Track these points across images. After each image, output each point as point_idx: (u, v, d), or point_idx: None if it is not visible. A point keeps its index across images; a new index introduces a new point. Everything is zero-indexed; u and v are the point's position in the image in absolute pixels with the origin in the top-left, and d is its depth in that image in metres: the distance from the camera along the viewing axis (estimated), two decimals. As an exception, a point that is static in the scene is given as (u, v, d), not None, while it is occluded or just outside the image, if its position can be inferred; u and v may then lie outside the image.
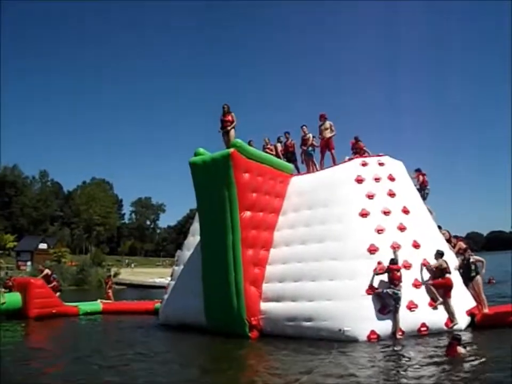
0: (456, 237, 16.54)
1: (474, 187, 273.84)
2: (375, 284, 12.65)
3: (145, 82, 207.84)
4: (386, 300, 12.41)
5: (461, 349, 9.99)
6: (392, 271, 12.56)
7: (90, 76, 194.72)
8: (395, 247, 13.20)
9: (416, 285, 13.00)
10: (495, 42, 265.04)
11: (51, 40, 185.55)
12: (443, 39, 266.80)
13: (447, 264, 13.29)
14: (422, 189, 17.03)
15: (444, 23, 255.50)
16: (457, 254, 15.19)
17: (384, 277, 12.65)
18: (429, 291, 12.98)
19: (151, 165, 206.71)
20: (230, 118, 15.70)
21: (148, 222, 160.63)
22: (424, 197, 16.94)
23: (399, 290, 12.36)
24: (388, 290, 12.36)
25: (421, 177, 17.21)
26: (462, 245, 15.79)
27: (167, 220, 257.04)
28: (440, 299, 12.88)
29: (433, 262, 13.43)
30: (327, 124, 17.22)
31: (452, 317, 12.80)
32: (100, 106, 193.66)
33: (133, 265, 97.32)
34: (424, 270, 13.41)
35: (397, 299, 12.30)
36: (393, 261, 12.74)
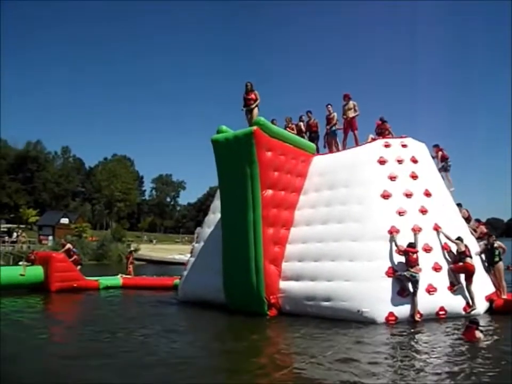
0: (477, 220, 16.39)
1: (495, 171, 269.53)
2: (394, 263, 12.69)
3: (169, 58, 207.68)
4: (404, 283, 12.39)
5: (478, 333, 9.96)
6: (409, 253, 12.52)
7: (112, 51, 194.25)
8: (416, 230, 13.14)
9: (436, 268, 12.92)
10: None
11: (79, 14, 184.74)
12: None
13: (466, 247, 13.18)
14: (444, 162, 16.88)
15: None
16: (479, 239, 15.08)
17: (402, 259, 12.62)
18: (449, 275, 12.92)
19: (173, 142, 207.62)
20: (253, 96, 15.60)
21: (168, 199, 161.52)
22: (446, 169, 16.86)
23: (417, 273, 12.30)
24: (405, 273, 12.32)
25: (440, 153, 17.03)
26: (483, 229, 15.68)
27: (187, 197, 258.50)
28: (460, 284, 12.82)
29: (453, 246, 13.37)
30: (351, 103, 17.09)
31: (471, 302, 12.74)
32: (122, 83, 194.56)
33: (154, 241, 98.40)
34: (446, 253, 13.37)
35: (414, 282, 12.26)
36: (411, 244, 12.70)
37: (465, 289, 12.84)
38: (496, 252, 14.06)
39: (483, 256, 14.37)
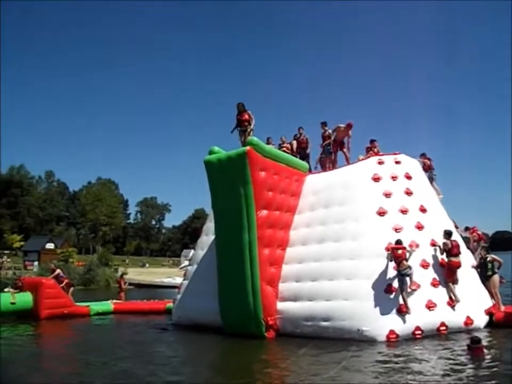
0: (467, 228, 16.53)
1: (479, 187, 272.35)
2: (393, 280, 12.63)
3: (151, 79, 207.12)
4: (398, 285, 12.43)
5: (484, 350, 9.94)
6: (393, 250, 12.62)
7: (94, 74, 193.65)
8: (413, 246, 13.08)
9: (434, 284, 12.91)
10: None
11: (56, 41, 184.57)
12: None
13: (453, 243, 13.31)
14: (429, 172, 16.95)
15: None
16: (474, 244, 15.29)
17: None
18: (447, 290, 12.89)
19: (157, 164, 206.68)
20: (246, 116, 15.59)
21: (153, 222, 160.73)
22: (432, 178, 16.92)
23: (403, 269, 12.34)
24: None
25: (427, 162, 17.09)
26: (475, 235, 16.01)
27: (172, 220, 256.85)
28: (459, 299, 12.77)
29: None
30: (348, 133, 17.30)
31: (453, 297, 12.88)
32: (105, 105, 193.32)
33: (147, 264, 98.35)
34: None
35: (403, 277, 12.38)
36: (398, 241, 12.78)
37: (447, 286, 13.01)
38: (489, 266, 14.11)
39: (479, 269, 14.38)
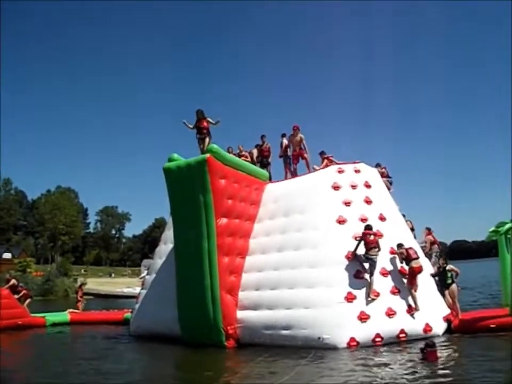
0: (428, 229, 16.77)
1: (438, 197, 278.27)
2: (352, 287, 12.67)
3: (109, 85, 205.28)
4: (362, 264, 12.80)
5: (438, 354, 10.08)
6: (365, 235, 12.93)
7: (52, 76, 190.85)
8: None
9: (394, 292, 12.92)
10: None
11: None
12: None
13: (409, 250, 13.42)
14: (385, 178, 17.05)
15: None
16: (430, 250, 15.57)
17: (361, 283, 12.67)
18: (409, 297, 12.97)
19: (118, 173, 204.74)
20: (205, 124, 15.41)
21: (113, 231, 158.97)
22: (390, 183, 17.24)
23: (373, 255, 12.72)
24: (362, 256, 12.82)
25: (384, 172, 17.21)
26: (431, 238, 16.36)
27: (132, 229, 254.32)
28: (419, 308, 12.85)
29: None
30: (299, 136, 17.22)
31: (415, 306, 12.92)
32: (64, 113, 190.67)
33: (113, 274, 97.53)
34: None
35: (372, 263, 12.70)
36: (368, 227, 13.15)
37: (410, 294, 13.04)
38: (449, 274, 14.23)
39: (437, 278, 14.51)
